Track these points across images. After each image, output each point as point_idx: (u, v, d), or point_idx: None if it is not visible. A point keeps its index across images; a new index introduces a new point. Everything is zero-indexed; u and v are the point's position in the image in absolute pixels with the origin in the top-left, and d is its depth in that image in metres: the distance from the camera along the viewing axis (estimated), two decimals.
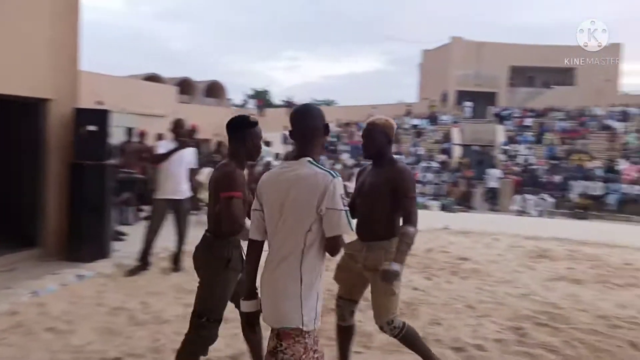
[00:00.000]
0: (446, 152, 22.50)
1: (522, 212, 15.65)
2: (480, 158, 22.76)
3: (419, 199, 16.93)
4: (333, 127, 27.65)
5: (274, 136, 22.28)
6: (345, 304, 3.18)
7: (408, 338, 3.06)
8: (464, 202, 16.46)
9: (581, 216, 14.88)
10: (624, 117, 26.41)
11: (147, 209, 7.76)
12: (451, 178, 18.13)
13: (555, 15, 77.96)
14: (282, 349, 2.05)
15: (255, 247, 2.26)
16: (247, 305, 2.31)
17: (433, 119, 29.46)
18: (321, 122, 2.22)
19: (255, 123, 2.86)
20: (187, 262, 6.05)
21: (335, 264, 3.23)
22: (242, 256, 2.80)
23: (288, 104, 33.34)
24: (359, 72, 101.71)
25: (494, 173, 18.47)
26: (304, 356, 2.04)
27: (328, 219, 2.04)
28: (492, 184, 17.92)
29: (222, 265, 2.76)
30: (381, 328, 3.03)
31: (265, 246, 2.24)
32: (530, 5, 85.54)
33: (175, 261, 5.81)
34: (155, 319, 4.26)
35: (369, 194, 3.05)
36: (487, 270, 6.40)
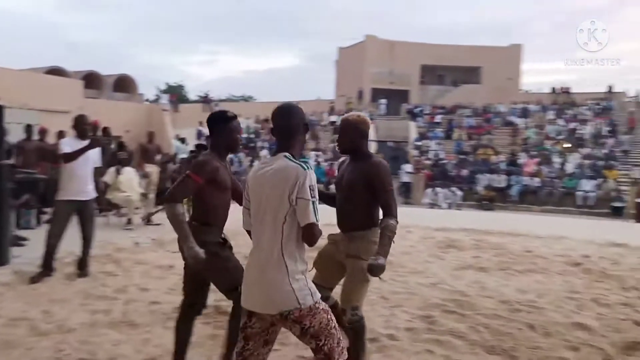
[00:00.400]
0: None
1: (433, 205, 16.39)
2: (394, 154, 23.55)
3: None
4: (251, 124, 27.46)
5: (189, 132, 21.74)
6: (320, 291, 3.20)
7: (359, 331, 3.21)
8: None
9: (487, 207, 15.85)
10: (525, 113, 28.39)
11: (49, 212, 7.28)
12: None
13: (463, 16, 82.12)
14: (307, 326, 2.26)
15: (250, 236, 2.44)
16: None
17: None
18: (301, 120, 2.38)
19: (234, 117, 3.10)
20: (95, 266, 5.80)
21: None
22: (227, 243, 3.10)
23: (204, 100, 32.56)
24: (278, 68, 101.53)
25: (407, 168, 19.18)
26: (329, 318, 2.32)
27: (299, 209, 2.20)
28: (406, 178, 18.60)
29: (218, 247, 2.99)
30: (343, 311, 3.13)
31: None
32: (443, 6, 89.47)
33: (81, 266, 5.50)
34: (58, 328, 4.01)
35: (346, 188, 3.15)
36: (400, 262, 6.62)
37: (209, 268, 2.96)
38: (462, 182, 17.50)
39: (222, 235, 3.11)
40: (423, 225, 9.45)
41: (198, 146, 9.01)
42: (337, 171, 3.43)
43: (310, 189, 2.19)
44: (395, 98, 33.21)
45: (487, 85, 33.61)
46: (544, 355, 3.74)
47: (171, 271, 5.74)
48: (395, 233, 3.01)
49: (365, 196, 3.07)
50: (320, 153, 21.27)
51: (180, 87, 51.53)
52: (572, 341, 3.99)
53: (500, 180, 16.97)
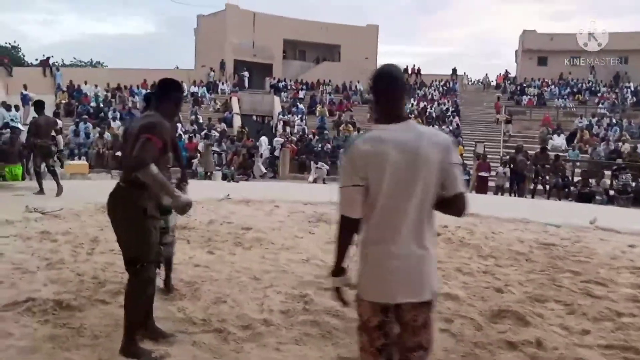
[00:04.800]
0: (226, 121, 22.25)
1: (300, 179, 16.36)
2: (259, 128, 23.15)
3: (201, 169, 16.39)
4: (100, 92, 25.03)
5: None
6: None
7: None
8: (245, 171, 16.50)
9: None
10: None
11: None
12: (231, 147, 17.96)
13: None
14: (428, 315, 2.06)
15: (352, 225, 2.05)
16: (337, 281, 2.15)
17: (212, 87, 28.92)
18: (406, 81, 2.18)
19: (180, 85, 3.38)
20: None
21: None
22: (157, 206, 3.12)
23: (44, 64, 28.93)
24: (131, 34, 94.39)
25: (273, 142, 18.91)
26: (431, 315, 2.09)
27: (451, 176, 2.00)
28: (268, 153, 18.34)
29: (139, 214, 2.97)
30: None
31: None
32: None
33: None
34: None
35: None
36: (270, 238, 6.32)
37: (130, 227, 3.00)
38: (327, 157, 17.72)
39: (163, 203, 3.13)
40: (290, 200, 9.24)
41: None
42: None
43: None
44: (258, 71, 32.67)
45: (345, 63, 34.49)
46: None
47: None
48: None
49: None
50: (180, 125, 20.07)
51: (14, 49, 45.34)
52: (444, 312, 4.01)
53: None
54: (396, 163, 1.96)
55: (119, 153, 14.79)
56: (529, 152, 16.35)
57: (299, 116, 23.98)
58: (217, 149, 17.62)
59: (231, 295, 4.29)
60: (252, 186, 13.29)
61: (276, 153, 18.07)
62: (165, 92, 3.23)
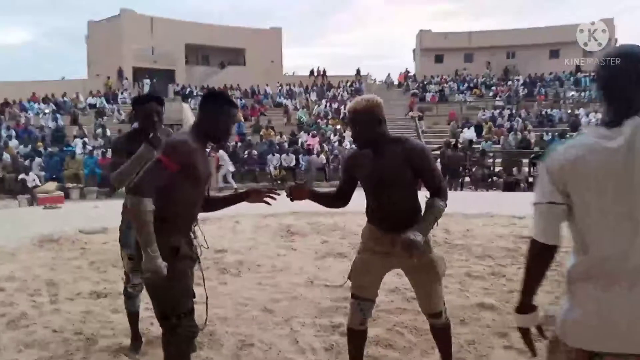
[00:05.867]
0: None
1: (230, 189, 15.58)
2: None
3: None
4: None
5: None
6: (366, 305, 2.76)
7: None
8: None
9: (281, 187, 15.69)
10: (291, 95, 29.52)
11: None
12: None
13: None
14: None
15: (548, 253, 1.65)
16: (526, 320, 1.75)
17: (111, 97, 26.91)
18: None
19: (235, 105, 2.62)
20: None
21: None
22: (191, 243, 2.56)
23: None
24: (7, 44, 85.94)
25: None
26: None
27: None
28: None
29: (169, 255, 2.35)
30: (435, 316, 2.77)
31: None
32: None
33: None
34: None
35: (390, 180, 2.63)
36: (252, 260, 5.76)
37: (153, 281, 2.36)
38: (254, 163, 17.08)
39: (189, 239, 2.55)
40: (249, 213, 8.59)
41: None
42: (348, 167, 2.87)
43: None
44: (160, 78, 31.02)
45: (251, 67, 33.89)
46: None
47: None
48: (441, 216, 2.62)
49: (412, 184, 2.69)
50: (86, 139, 18.34)
51: None
52: (494, 326, 3.77)
53: (289, 159, 17.05)
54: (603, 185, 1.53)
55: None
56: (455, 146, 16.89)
57: None
58: None
59: (254, 335, 3.72)
60: None
61: None
62: (206, 107, 2.53)
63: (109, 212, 10.02)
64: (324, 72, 35.23)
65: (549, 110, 24.07)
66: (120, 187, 3.57)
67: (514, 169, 15.10)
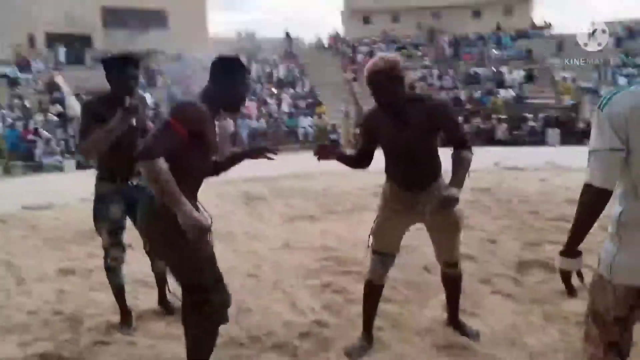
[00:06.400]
0: (59, 102, 19.36)
1: None
2: None
3: (49, 159, 14.09)
4: None
5: None
6: (388, 259, 2.84)
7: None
8: None
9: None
10: None
11: None
12: (76, 130, 15.74)
13: None
14: None
15: (603, 198, 1.65)
16: (570, 263, 1.81)
17: (24, 66, 24.81)
18: None
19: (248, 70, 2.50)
20: None
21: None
22: (198, 210, 2.34)
23: None
24: None
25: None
26: None
27: None
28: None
29: (180, 229, 2.19)
30: (448, 266, 2.91)
31: None
32: None
33: None
34: None
35: (415, 139, 2.62)
36: (223, 227, 5.57)
37: (174, 248, 2.32)
38: None
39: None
40: (209, 181, 8.34)
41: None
42: (368, 130, 2.88)
43: None
44: (76, 44, 28.88)
45: (175, 30, 32.34)
46: None
47: None
48: (470, 167, 2.66)
49: (434, 141, 2.70)
50: (4, 112, 16.96)
51: None
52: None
53: (229, 125, 16.65)
54: None
55: None
56: None
57: (142, 90, 21.91)
58: (64, 136, 15.32)
59: (247, 301, 3.66)
60: None
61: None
62: (219, 74, 2.38)
63: (45, 187, 9.44)
64: (253, 34, 34.40)
65: (475, 69, 24.93)
66: (91, 157, 3.34)
67: None
